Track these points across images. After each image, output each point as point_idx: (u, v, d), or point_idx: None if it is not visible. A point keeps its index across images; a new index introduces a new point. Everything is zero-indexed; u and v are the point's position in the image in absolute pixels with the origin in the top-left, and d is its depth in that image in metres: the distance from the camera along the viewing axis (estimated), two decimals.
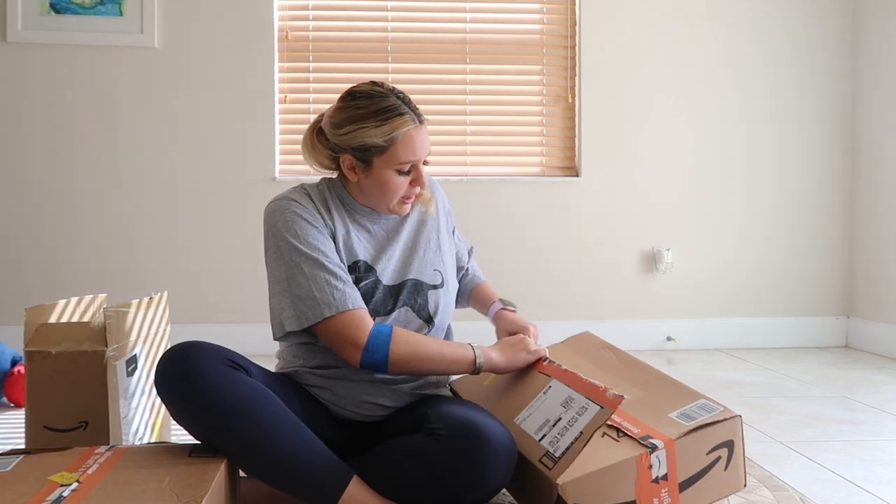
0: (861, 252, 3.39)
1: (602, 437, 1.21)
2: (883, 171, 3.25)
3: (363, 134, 1.32)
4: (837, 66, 3.43)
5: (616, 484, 1.16)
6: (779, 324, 3.42)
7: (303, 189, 1.40)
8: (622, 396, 1.21)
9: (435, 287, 1.44)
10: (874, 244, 3.30)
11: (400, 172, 1.35)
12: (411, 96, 1.40)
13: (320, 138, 1.41)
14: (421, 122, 1.35)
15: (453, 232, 1.60)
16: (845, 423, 2.13)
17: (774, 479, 1.63)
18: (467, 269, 1.67)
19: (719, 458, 1.24)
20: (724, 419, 1.23)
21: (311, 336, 1.35)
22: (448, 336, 1.54)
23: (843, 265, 3.46)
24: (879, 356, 3.19)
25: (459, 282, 1.65)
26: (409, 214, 1.47)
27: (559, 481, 1.13)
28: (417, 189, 1.39)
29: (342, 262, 1.36)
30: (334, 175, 1.46)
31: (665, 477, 1.19)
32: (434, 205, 1.52)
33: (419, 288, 1.42)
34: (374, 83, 1.37)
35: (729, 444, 1.24)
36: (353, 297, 1.30)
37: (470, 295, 1.65)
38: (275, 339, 1.35)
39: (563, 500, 1.14)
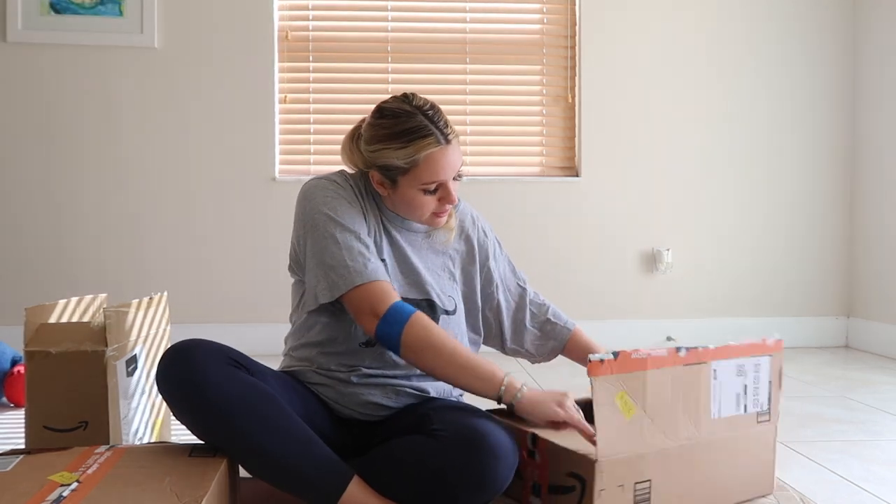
0: (861, 252, 3.39)
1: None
2: (883, 171, 3.25)
3: (386, 155, 1.32)
4: (838, 66, 3.43)
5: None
6: (779, 324, 3.42)
7: (343, 174, 1.42)
8: (781, 339, 1.46)
9: (448, 313, 1.43)
10: (874, 244, 3.30)
11: (426, 192, 1.34)
12: None
13: (359, 144, 1.41)
14: (448, 141, 1.32)
15: (484, 269, 1.54)
16: (845, 423, 2.13)
17: (774, 480, 1.62)
18: (543, 306, 1.60)
19: (574, 487, 1.25)
20: (576, 450, 1.26)
21: (340, 311, 1.35)
22: None
23: (843, 265, 3.46)
24: (879, 356, 3.19)
25: (531, 321, 1.59)
26: (429, 235, 1.47)
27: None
28: (448, 206, 1.38)
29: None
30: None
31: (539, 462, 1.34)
32: (454, 236, 1.49)
33: (433, 309, 1.41)
34: (405, 98, 1.35)
35: (581, 479, 1.24)
36: (382, 270, 1.31)
37: (566, 344, 1.59)
38: (307, 311, 1.35)
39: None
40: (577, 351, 1.60)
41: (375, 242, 1.39)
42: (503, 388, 1.25)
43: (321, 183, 1.38)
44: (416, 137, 1.30)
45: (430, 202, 1.36)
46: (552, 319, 1.61)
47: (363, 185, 1.42)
